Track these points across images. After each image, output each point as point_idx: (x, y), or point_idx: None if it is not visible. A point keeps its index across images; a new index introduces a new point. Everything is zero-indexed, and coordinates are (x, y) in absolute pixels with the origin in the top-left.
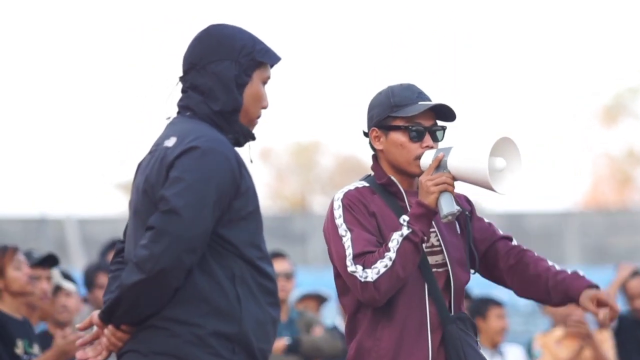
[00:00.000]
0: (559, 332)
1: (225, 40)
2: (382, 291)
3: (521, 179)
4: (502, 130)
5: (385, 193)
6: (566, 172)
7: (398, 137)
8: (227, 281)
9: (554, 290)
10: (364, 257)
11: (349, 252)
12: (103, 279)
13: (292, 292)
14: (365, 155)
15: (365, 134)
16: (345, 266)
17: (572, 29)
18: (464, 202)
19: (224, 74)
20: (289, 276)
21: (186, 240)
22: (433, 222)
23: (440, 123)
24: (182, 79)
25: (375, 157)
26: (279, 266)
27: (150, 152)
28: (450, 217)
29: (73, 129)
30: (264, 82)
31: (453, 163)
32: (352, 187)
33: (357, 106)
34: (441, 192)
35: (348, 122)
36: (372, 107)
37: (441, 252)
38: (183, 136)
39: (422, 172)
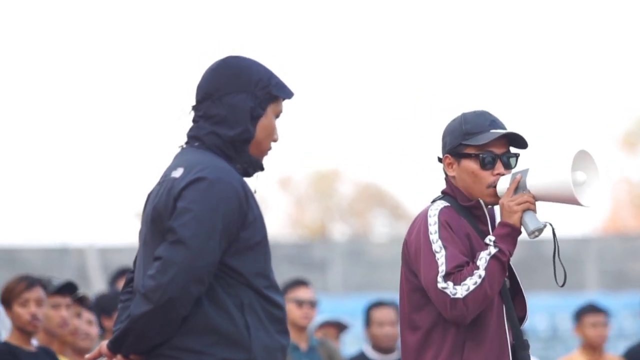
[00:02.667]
0: (578, 354)
1: (242, 72)
2: (470, 308)
3: (601, 190)
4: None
5: (469, 215)
6: None
7: (470, 164)
8: (236, 310)
9: None
10: (454, 275)
11: (442, 268)
12: None
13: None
14: (384, 182)
15: (440, 160)
16: (436, 282)
17: (593, 55)
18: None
19: (239, 106)
20: (313, 304)
21: (193, 271)
22: None
23: (513, 150)
24: (194, 107)
25: (449, 181)
26: (304, 294)
27: (159, 183)
28: (537, 233)
29: (94, 159)
30: (277, 116)
31: (533, 182)
32: (441, 205)
33: (376, 134)
34: (524, 210)
35: (367, 150)
36: (445, 134)
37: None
38: (190, 167)
39: (494, 200)
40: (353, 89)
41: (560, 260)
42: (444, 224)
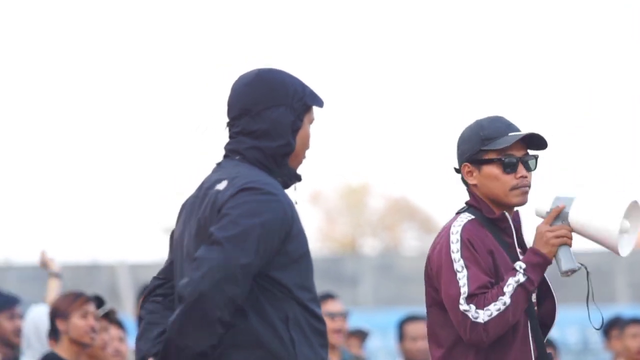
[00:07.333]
0: None
1: (277, 85)
2: (490, 334)
3: (635, 239)
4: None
5: (494, 228)
6: None
7: (492, 170)
8: (281, 324)
9: None
10: (477, 297)
11: (464, 290)
12: None
13: None
14: (414, 196)
15: (457, 170)
16: (458, 304)
17: (620, 56)
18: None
19: (281, 120)
20: (345, 315)
21: (226, 268)
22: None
23: (531, 152)
24: (230, 124)
25: (472, 192)
26: (334, 307)
27: (198, 196)
28: (569, 274)
29: (124, 175)
30: (310, 125)
31: (575, 218)
32: (465, 219)
33: (406, 148)
34: (560, 245)
35: (397, 164)
36: (461, 143)
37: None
38: (233, 179)
39: (519, 200)
40: (383, 103)
41: (594, 302)
42: (466, 243)
